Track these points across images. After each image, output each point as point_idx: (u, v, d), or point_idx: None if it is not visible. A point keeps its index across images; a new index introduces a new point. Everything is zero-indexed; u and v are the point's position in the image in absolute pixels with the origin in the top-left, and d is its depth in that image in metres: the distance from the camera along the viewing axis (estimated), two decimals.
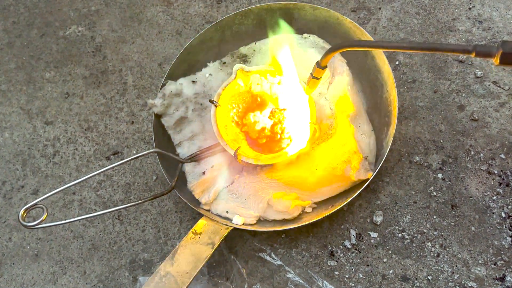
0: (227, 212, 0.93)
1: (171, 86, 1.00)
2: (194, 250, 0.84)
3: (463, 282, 0.85)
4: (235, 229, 0.90)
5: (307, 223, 0.88)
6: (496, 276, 0.85)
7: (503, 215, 0.89)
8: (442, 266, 0.87)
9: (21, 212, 0.80)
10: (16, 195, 1.09)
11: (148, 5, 1.29)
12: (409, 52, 1.09)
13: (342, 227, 0.94)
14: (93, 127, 1.15)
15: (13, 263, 1.01)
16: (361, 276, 0.89)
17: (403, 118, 1.02)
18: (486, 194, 0.92)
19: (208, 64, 1.06)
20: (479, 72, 1.03)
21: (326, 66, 0.81)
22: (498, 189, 0.92)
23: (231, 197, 0.94)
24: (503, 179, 0.92)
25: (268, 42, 1.07)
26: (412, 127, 1.01)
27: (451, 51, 0.64)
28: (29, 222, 0.80)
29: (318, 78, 0.84)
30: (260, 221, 0.93)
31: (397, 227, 0.92)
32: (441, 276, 0.86)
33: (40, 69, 1.25)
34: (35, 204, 0.81)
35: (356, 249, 0.91)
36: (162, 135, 1.01)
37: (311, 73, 0.84)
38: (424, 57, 1.08)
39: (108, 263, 0.98)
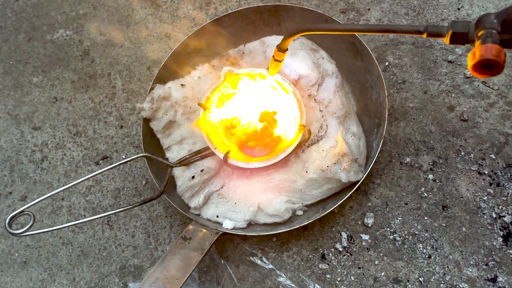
0: (217, 216, 0.92)
1: (160, 90, 0.99)
2: (183, 255, 0.83)
3: (454, 284, 0.85)
4: (225, 233, 0.89)
5: (298, 226, 0.87)
6: (487, 277, 0.85)
7: (494, 215, 0.89)
8: (433, 267, 0.87)
9: (8, 219, 0.79)
10: (4, 201, 1.07)
11: (136, 8, 1.28)
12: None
13: (333, 229, 0.93)
14: (81, 132, 1.13)
15: (1, 271, 1.00)
16: (353, 279, 0.88)
17: (393, 119, 1.01)
18: (476, 194, 0.92)
19: (197, 67, 1.05)
20: (469, 72, 1.03)
21: (287, 49, 0.82)
22: (488, 189, 0.92)
23: (221, 201, 0.94)
24: (494, 179, 0.92)
25: (258, 44, 1.06)
26: (402, 128, 1.00)
27: (404, 32, 0.66)
28: (17, 229, 0.79)
29: (279, 61, 0.86)
30: (250, 225, 0.93)
31: (388, 229, 0.91)
32: (433, 277, 0.86)
33: (28, 73, 1.24)
34: (22, 211, 0.80)
35: (347, 252, 0.91)
36: (151, 139, 1.00)
37: (273, 56, 0.85)
38: (413, 57, 1.08)
39: (98, 270, 0.97)
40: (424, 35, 0.62)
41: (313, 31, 0.76)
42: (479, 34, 0.58)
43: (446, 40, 0.61)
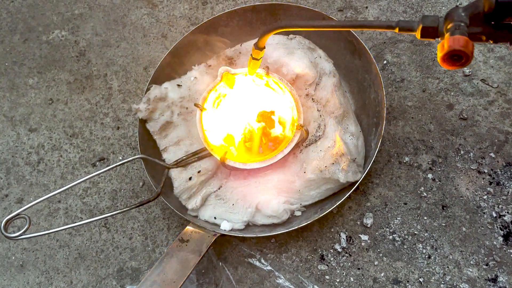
0: (215, 218, 0.91)
1: (156, 91, 0.98)
2: (181, 258, 0.83)
3: (455, 284, 0.84)
4: (223, 235, 0.88)
5: (296, 227, 0.86)
6: (488, 277, 0.84)
7: (494, 214, 0.88)
8: (433, 267, 0.86)
9: (3, 223, 0.78)
10: (0, 204, 1.07)
11: (132, 8, 1.27)
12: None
13: (332, 230, 0.92)
14: (78, 134, 1.12)
15: None
16: (352, 280, 0.87)
17: (391, 118, 1.01)
18: (476, 193, 0.91)
19: (193, 67, 1.05)
20: (467, 70, 1.02)
21: (264, 47, 0.81)
22: (488, 188, 0.91)
23: (219, 202, 0.93)
24: (493, 178, 0.92)
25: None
26: (401, 127, 1.00)
27: (376, 28, 0.69)
28: (13, 232, 0.78)
29: (257, 59, 0.85)
30: (249, 226, 0.92)
31: (387, 229, 0.91)
32: (433, 278, 0.85)
33: (23, 75, 1.23)
34: (18, 214, 0.79)
35: (346, 253, 0.90)
36: (148, 140, 1.00)
37: (251, 55, 0.84)
38: (412, 56, 1.07)
39: (95, 272, 0.96)
40: (396, 30, 0.64)
41: (289, 28, 0.76)
42: (448, 27, 0.59)
43: (417, 34, 0.63)
